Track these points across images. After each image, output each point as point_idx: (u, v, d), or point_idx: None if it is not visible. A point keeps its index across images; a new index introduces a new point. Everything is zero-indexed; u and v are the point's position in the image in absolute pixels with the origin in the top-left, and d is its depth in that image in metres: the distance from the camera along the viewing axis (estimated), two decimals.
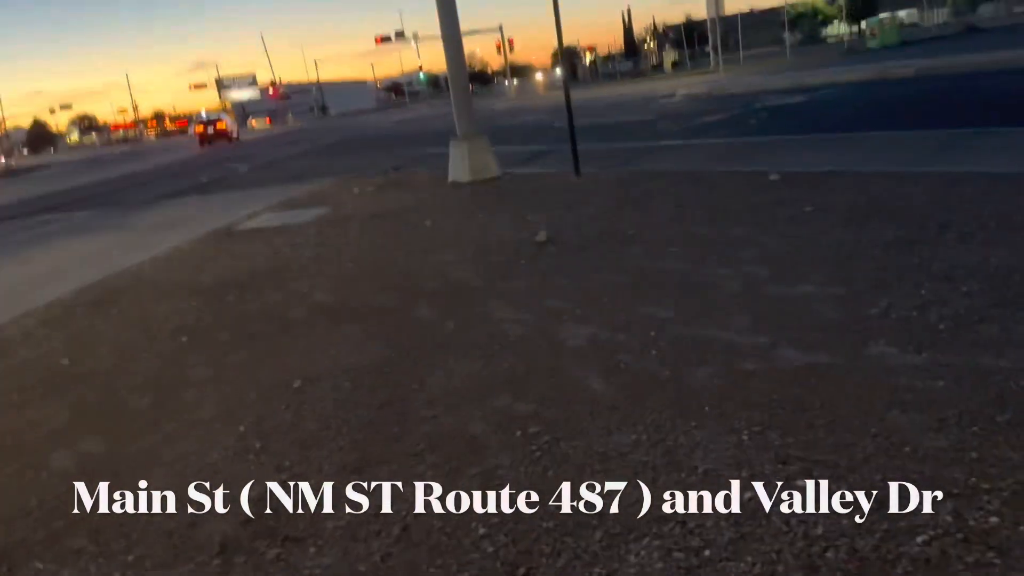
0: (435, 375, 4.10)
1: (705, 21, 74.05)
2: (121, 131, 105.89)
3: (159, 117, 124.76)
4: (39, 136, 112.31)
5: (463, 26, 11.54)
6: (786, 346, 3.77)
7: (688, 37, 69.25)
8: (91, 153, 73.60)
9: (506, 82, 52.25)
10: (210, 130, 45.75)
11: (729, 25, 66.54)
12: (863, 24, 70.71)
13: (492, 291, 5.60)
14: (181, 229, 11.08)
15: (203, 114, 63.26)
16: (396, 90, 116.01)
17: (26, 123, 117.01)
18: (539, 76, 78.78)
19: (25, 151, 71.97)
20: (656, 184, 8.85)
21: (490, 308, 5.18)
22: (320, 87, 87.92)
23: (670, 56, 61.07)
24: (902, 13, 74.01)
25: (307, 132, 46.18)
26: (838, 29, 77.20)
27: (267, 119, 70.41)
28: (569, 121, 10.32)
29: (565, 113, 10.96)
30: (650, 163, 10.98)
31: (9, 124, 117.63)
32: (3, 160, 61.54)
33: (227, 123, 47.97)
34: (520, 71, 73.91)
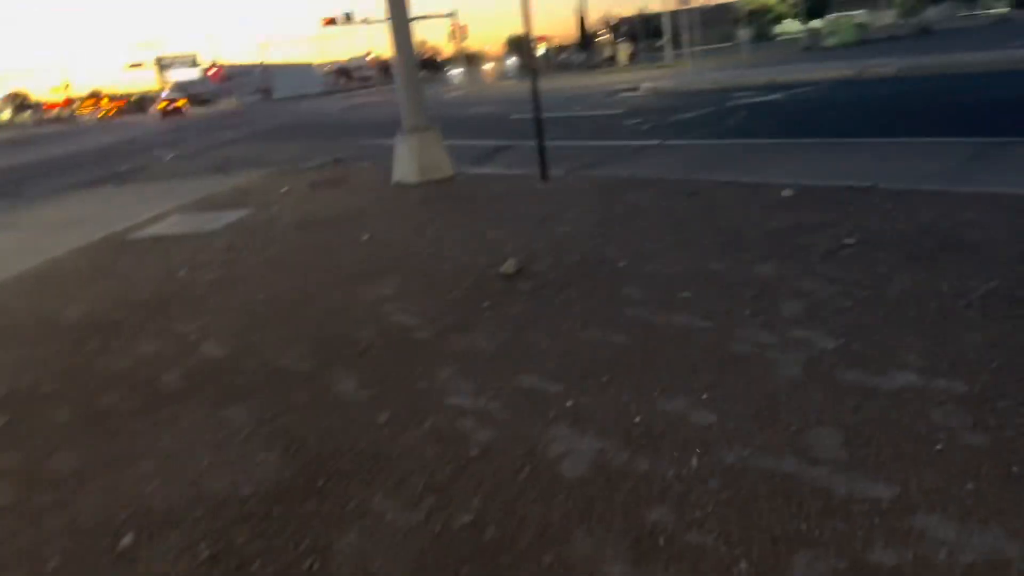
0: (347, 537, 2.52)
1: (659, 15, 73.32)
2: (55, 110, 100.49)
3: (96, 96, 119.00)
4: None
5: (414, 11, 9.88)
6: (927, 510, 2.30)
7: (641, 31, 68.30)
8: (17, 133, 69.23)
9: (458, 70, 50.30)
10: (171, 107, 58.98)
11: (680, 20, 65.70)
12: (815, 22, 70.87)
13: (444, 351, 4.03)
14: (71, 233, 9.20)
15: (164, 94, 71.97)
16: (345, 74, 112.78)
17: None
18: (488, 66, 76.28)
19: None
20: (641, 196, 7.36)
21: (441, 384, 3.61)
22: (265, 69, 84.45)
23: (625, 49, 59.82)
24: (854, 13, 74.33)
25: (247, 116, 43.65)
26: (789, 27, 77.27)
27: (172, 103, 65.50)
28: (536, 116, 8.76)
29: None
30: (627, 167, 9.50)
31: None
32: None
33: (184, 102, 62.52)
34: (471, 59, 71.74)
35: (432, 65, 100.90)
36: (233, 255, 6.84)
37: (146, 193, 12.62)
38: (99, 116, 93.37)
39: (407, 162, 9.86)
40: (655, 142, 11.46)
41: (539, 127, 8.65)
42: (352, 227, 7.45)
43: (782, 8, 77.20)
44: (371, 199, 9.04)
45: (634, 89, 22.65)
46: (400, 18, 9.68)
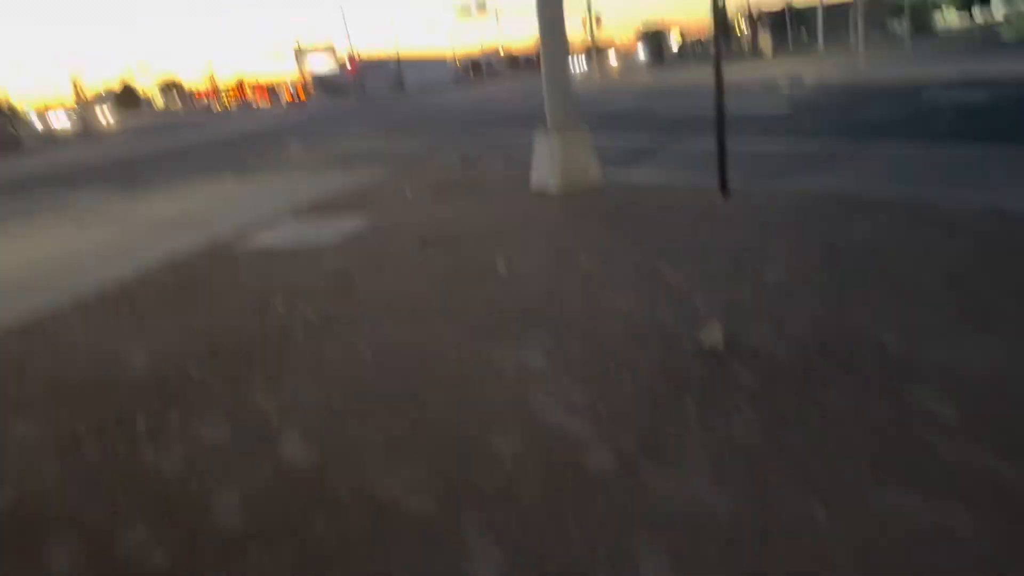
0: None
1: (802, 7, 68.51)
2: (204, 97, 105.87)
3: (240, 84, 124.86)
4: (127, 98, 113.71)
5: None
6: None
7: (780, 22, 64.13)
8: (164, 119, 73.02)
9: (593, 61, 48.46)
10: (296, 99, 68.84)
11: (829, 12, 60.95)
12: (974, 13, 64.27)
13: (638, 500, 2.48)
14: (173, 235, 8.26)
15: (291, 87, 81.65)
16: (474, 67, 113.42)
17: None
18: (614, 57, 73.34)
19: (106, 114, 71.78)
20: (869, 224, 5.52)
21: None
22: (399, 63, 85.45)
23: (768, 40, 56.14)
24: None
25: (378, 107, 43.57)
26: (951, 19, 70.70)
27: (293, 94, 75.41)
28: (719, 115, 7.00)
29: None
30: (824, 178, 7.60)
31: (104, 87, 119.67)
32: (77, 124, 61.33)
33: (305, 93, 73.32)
34: (601, 50, 69.48)
35: None
36: (343, 283, 5.52)
37: (265, 188, 11.73)
38: (240, 104, 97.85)
39: (549, 166, 8.34)
40: (847, 148, 9.42)
41: (720, 128, 6.91)
42: (484, 250, 6.00)
43: None
44: (506, 211, 7.57)
45: (796, 83, 20.23)
46: (549, 4, 8.16)
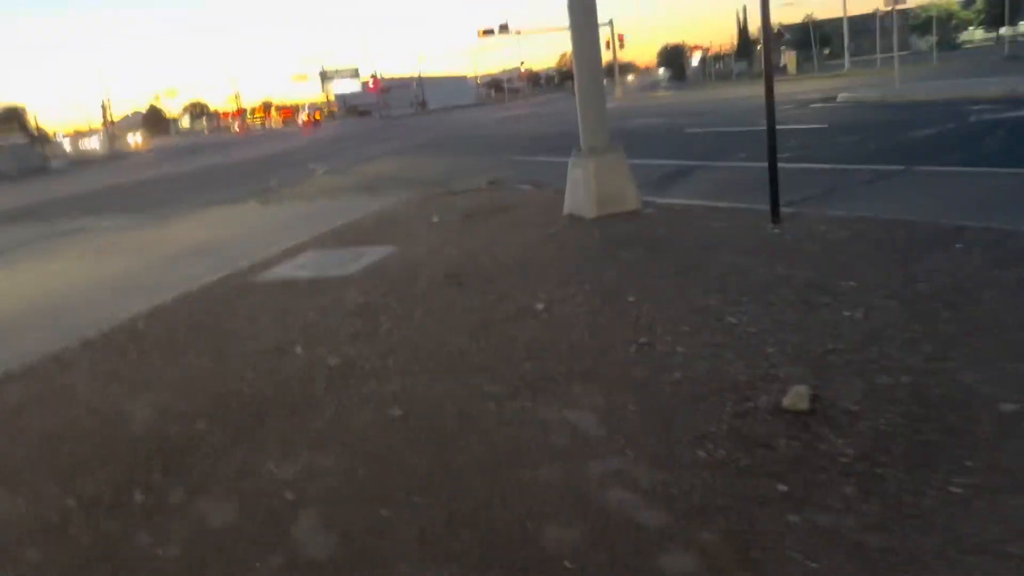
0: None
1: (825, 22, 67.79)
2: (229, 118, 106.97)
3: (267, 106, 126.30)
4: (154, 121, 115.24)
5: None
6: None
7: (808, 39, 63.60)
8: (191, 140, 73.66)
9: (615, 80, 48.16)
10: (311, 120, 71.02)
11: (851, 27, 60.17)
12: (1005, 30, 63.23)
13: None
14: (191, 265, 7.88)
15: (307, 108, 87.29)
16: (496, 87, 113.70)
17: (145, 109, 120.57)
18: (631, 77, 72.27)
19: (136, 136, 72.99)
20: (948, 257, 4.97)
21: None
22: (420, 82, 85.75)
23: (791, 57, 55.51)
24: None
25: (402, 127, 43.48)
26: (975, 35, 69.71)
27: (313, 115, 76.52)
28: (770, 133, 6.49)
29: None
30: (880, 202, 7.04)
31: (131, 109, 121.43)
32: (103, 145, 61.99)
33: (321, 115, 76.44)
34: (623, 69, 69.02)
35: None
36: (367, 323, 5.06)
37: (287, 214, 11.37)
38: (266, 125, 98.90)
39: (584, 191, 7.85)
40: (898, 167, 8.85)
41: (772, 148, 6.39)
42: (519, 285, 5.51)
43: (965, 15, 69.81)
44: (539, 239, 7.09)
45: (830, 100, 19.64)
46: (585, 22, 7.72)
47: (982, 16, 63.74)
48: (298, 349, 4.67)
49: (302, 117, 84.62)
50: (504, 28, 51.06)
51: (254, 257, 7.77)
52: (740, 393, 3.31)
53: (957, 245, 5.14)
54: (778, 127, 6.59)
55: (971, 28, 70.21)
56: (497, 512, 2.68)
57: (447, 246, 7.28)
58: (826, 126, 13.98)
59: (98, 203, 17.46)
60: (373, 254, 7.27)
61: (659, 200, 8.36)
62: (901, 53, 47.55)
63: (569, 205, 8.11)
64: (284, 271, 7.03)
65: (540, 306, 4.93)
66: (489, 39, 58.60)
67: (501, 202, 9.65)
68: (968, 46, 64.98)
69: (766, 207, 6.62)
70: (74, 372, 4.82)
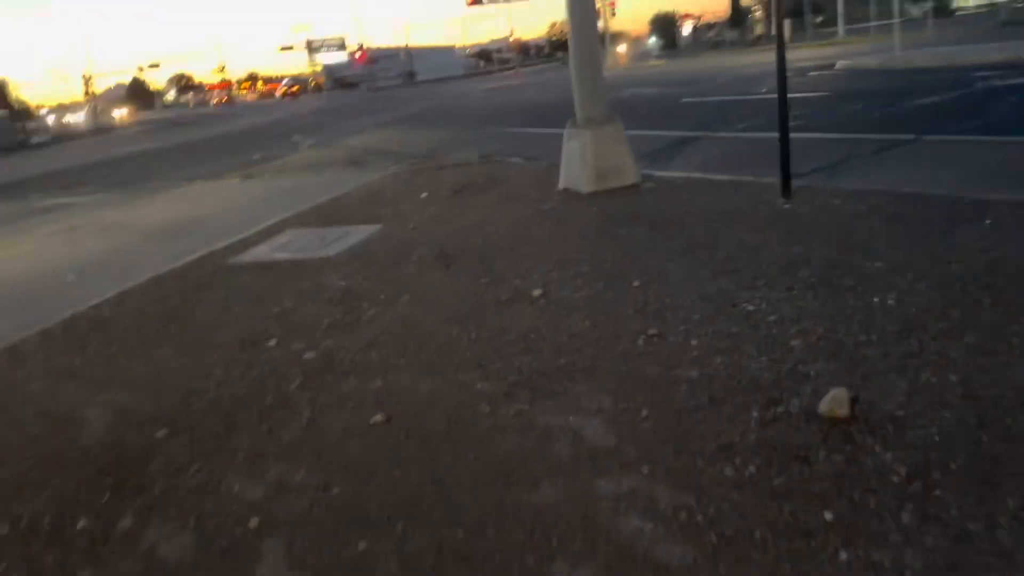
0: None
1: None
2: (215, 92, 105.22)
3: (253, 78, 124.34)
4: (138, 93, 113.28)
5: None
6: None
7: (800, 7, 62.68)
8: (176, 113, 72.44)
9: (606, 48, 47.25)
10: (288, 92, 75.64)
11: None
12: None
13: None
14: (168, 245, 7.45)
15: (284, 81, 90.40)
16: (485, 57, 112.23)
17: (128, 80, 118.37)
18: (623, 47, 70.11)
19: (121, 110, 71.74)
20: (978, 234, 4.58)
21: None
22: (408, 52, 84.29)
23: (787, 25, 54.66)
24: None
25: (390, 99, 42.66)
26: (967, 1, 68.74)
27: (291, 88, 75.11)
28: (781, 100, 6.05)
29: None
30: (896, 173, 6.63)
31: (115, 82, 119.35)
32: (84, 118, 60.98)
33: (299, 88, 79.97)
34: (614, 38, 67.81)
35: (566, 46, 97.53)
36: (348, 310, 4.64)
37: (271, 189, 10.88)
38: (253, 97, 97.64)
39: (579, 164, 7.42)
40: (907, 136, 8.43)
41: (784, 118, 5.95)
42: (513, 267, 5.10)
43: None
44: (534, 216, 6.67)
45: (828, 67, 19.11)
46: None
47: None
48: (272, 342, 4.26)
49: (281, 90, 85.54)
50: None
51: (232, 237, 7.33)
52: (766, 395, 2.93)
53: (987, 221, 4.75)
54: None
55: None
56: (493, 542, 2.30)
57: (436, 224, 6.85)
58: (828, 94, 13.50)
59: (76, 179, 16.86)
60: (357, 233, 6.83)
61: (659, 173, 7.93)
62: (896, 20, 46.67)
63: (565, 179, 7.67)
64: (262, 252, 6.59)
65: (537, 291, 4.53)
66: (477, 8, 57.44)
67: (492, 176, 9.20)
68: (960, 13, 64.10)
69: (774, 180, 6.22)
70: (27, 367, 4.40)
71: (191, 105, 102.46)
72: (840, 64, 18.57)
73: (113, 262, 7.15)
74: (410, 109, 29.29)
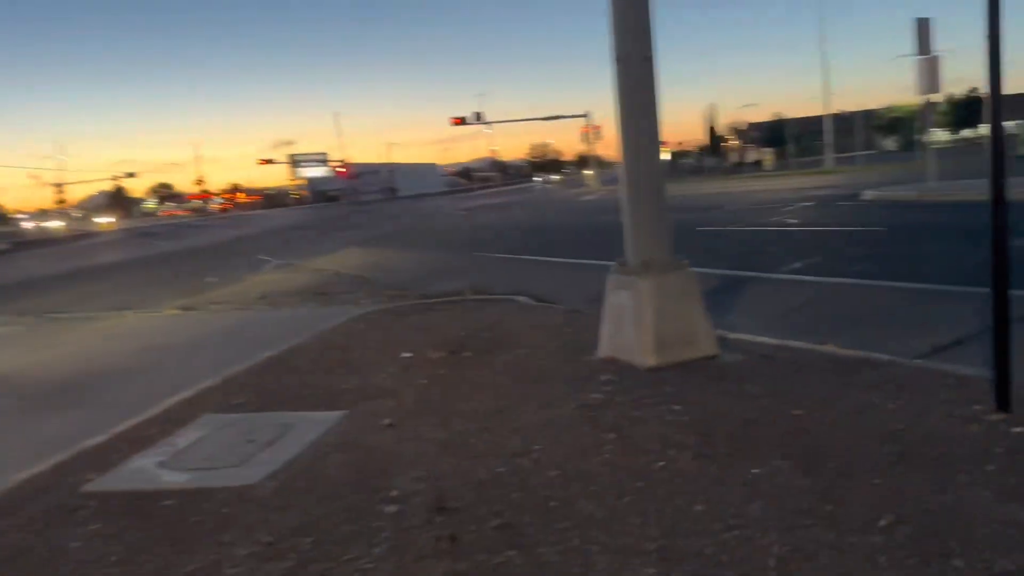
0: None
1: (788, 122, 67.82)
2: (193, 202, 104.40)
3: (235, 189, 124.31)
4: (118, 201, 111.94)
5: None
6: None
7: (779, 136, 63.68)
8: (150, 224, 70.62)
9: (590, 171, 46.59)
10: (224, 206, 72.05)
11: (815, 126, 60.10)
12: (964, 132, 63.55)
13: None
14: (45, 424, 4.91)
15: (217, 200, 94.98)
16: (466, 175, 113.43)
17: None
18: (591, 172, 69.14)
19: (101, 217, 70.42)
20: None
21: None
22: (391, 168, 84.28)
23: (762, 154, 54.92)
24: (1010, 124, 67.10)
25: (370, 214, 41.08)
26: (940, 136, 70.07)
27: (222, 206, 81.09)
28: (997, 251, 3.78)
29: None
30: None
31: (95, 189, 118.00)
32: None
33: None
34: (601, 162, 67.83)
35: (555, 167, 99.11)
36: None
37: (209, 331, 8.45)
38: (227, 209, 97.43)
39: (633, 326, 5.11)
40: None
41: (999, 282, 3.66)
42: (572, 555, 2.66)
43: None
44: (576, 417, 4.26)
45: (849, 198, 17.43)
46: (638, 82, 5.12)
47: (950, 117, 64.25)
48: None
49: (215, 206, 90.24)
50: (479, 117, 49.63)
51: (121, 420, 4.84)
52: None
53: None
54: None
55: (933, 130, 70.72)
56: None
57: (426, 418, 4.42)
58: (883, 229, 11.54)
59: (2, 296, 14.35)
60: (303, 430, 4.37)
61: (733, 336, 5.66)
62: (868, 152, 46.13)
63: (610, 345, 5.34)
64: (148, 465, 4.09)
65: None
66: (460, 129, 57.26)
67: (497, 327, 6.86)
68: (936, 147, 65.02)
69: (938, 364, 3.96)
70: None
71: (158, 214, 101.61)
72: (869, 195, 16.82)
73: None
74: (391, 226, 27.43)
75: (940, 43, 15.85)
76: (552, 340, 6.11)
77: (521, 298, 8.43)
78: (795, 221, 13.23)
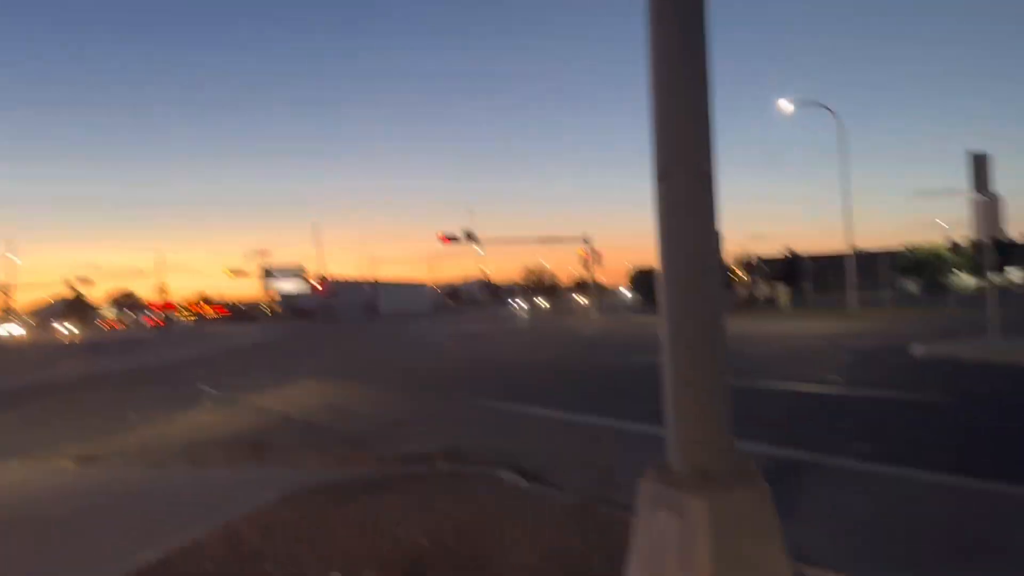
0: None
1: (805, 256, 67.96)
2: (155, 312, 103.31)
3: (205, 300, 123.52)
4: (76, 309, 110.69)
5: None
6: None
7: (791, 272, 63.61)
8: (99, 336, 68.90)
9: (588, 299, 45.84)
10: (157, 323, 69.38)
11: (829, 264, 59.99)
12: (989, 275, 63.70)
13: None
14: None
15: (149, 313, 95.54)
16: (453, 296, 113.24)
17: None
18: (583, 299, 69.25)
19: (63, 326, 69.43)
20: None
21: None
22: (376, 285, 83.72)
23: (775, 291, 54.28)
24: None
25: (343, 337, 39.68)
26: (965, 280, 70.07)
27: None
28: None
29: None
30: None
31: (56, 294, 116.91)
32: None
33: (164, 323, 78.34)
34: (600, 289, 67.53)
35: (551, 292, 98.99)
36: None
37: (93, 500, 6.79)
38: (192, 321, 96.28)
39: (679, 569, 3.52)
40: None
41: None
42: None
43: (955, 259, 71.07)
44: None
45: (898, 352, 16.01)
46: (697, 203, 3.77)
47: (971, 261, 64.43)
48: None
49: (151, 320, 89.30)
50: (470, 236, 49.24)
51: None
52: None
53: None
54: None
55: (957, 273, 70.49)
56: None
57: None
58: (969, 401, 10.05)
59: None
60: None
61: (809, 573, 4.07)
62: (888, 293, 45.31)
63: None
64: None
65: None
66: (449, 247, 56.91)
67: (471, 530, 5.24)
68: (960, 291, 64.34)
69: None
70: None
71: (104, 326, 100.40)
72: (920, 351, 15.37)
73: None
74: (363, 354, 25.96)
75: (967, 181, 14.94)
76: (551, 565, 4.50)
77: (503, 473, 6.86)
78: (837, 379, 11.81)
